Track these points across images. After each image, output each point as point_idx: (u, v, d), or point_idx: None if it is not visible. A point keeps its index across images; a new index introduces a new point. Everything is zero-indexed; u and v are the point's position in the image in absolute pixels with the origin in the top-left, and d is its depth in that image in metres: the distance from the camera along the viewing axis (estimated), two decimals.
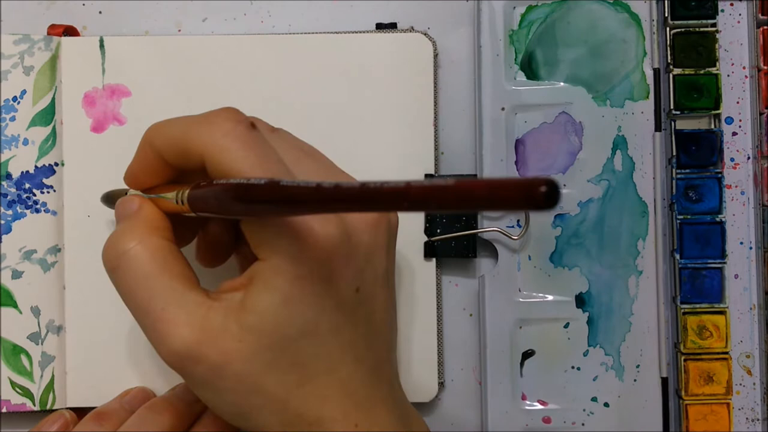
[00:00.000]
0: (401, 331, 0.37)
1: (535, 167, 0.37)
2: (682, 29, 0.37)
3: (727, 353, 0.36)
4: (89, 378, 0.36)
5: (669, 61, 0.37)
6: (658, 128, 0.37)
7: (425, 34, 0.37)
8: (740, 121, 0.37)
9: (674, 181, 0.37)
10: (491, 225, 0.37)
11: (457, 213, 0.36)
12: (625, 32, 0.37)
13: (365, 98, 0.37)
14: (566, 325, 0.37)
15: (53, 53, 0.37)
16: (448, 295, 0.38)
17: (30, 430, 0.35)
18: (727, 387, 0.36)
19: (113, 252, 0.28)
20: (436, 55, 0.37)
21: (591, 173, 0.37)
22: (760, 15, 0.37)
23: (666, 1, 0.37)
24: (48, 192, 0.36)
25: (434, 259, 0.37)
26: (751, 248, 0.37)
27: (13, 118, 0.36)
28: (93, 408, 0.35)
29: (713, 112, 0.37)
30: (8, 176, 0.36)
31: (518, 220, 0.37)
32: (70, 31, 0.38)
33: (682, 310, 0.36)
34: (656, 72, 0.37)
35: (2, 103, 0.36)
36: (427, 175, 0.37)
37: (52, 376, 0.36)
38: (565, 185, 0.37)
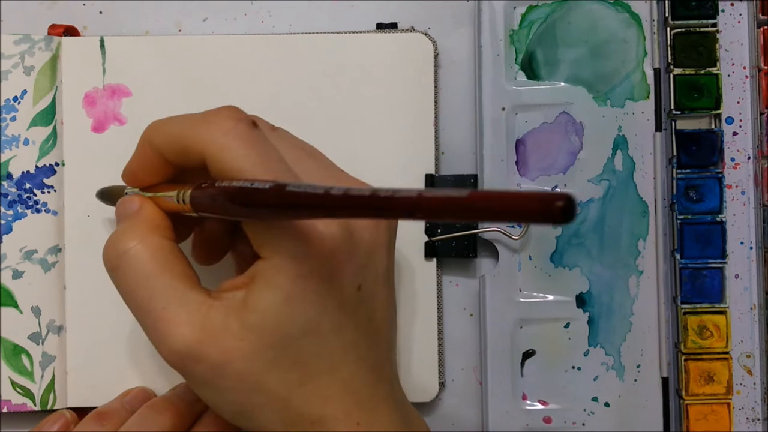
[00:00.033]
0: (401, 330, 0.37)
1: (536, 167, 0.37)
2: (683, 29, 0.37)
3: (727, 353, 0.36)
4: (90, 378, 0.36)
5: (669, 61, 0.37)
6: (658, 128, 0.37)
7: (426, 34, 0.37)
8: (741, 121, 0.37)
9: (675, 181, 0.37)
10: (492, 225, 0.37)
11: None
12: (625, 32, 0.37)
13: (365, 98, 0.37)
14: (567, 325, 0.37)
15: (54, 53, 0.37)
16: (448, 295, 0.38)
17: (30, 430, 0.35)
18: (728, 387, 0.36)
19: (114, 251, 0.28)
20: (436, 55, 0.37)
21: (591, 173, 0.37)
22: (760, 15, 0.37)
23: (666, 1, 0.37)
24: (48, 192, 0.36)
25: (435, 259, 0.37)
26: (751, 248, 0.37)
27: (13, 118, 0.36)
28: (94, 408, 0.35)
29: (714, 112, 0.37)
30: (9, 176, 0.36)
31: None
32: (70, 31, 0.38)
33: (683, 310, 0.36)
34: (657, 72, 0.37)
35: (3, 103, 0.36)
36: (427, 176, 0.37)
37: (53, 376, 0.36)
38: (565, 185, 0.37)
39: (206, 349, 0.26)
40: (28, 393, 0.36)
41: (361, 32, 0.37)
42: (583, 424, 0.37)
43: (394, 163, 0.37)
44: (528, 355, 0.37)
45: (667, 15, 0.37)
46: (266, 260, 0.26)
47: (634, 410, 0.36)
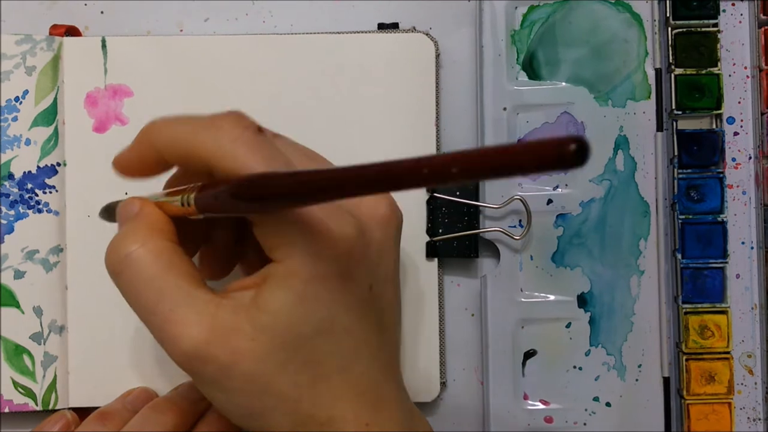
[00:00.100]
0: (403, 331, 0.37)
1: None
2: (684, 29, 0.37)
3: (728, 353, 0.36)
4: (91, 378, 0.36)
5: (671, 61, 0.37)
6: (659, 128, 0.37)
7: (427, 35, 0.37)
8: (742, 121, 0.37)
9: (676, 181, 0.37)
10: (493, 225, 0.37)
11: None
12: (626, 32, 0.37)
13: (367, 98, 0.37)
14: (568, 325, 0.37)
15: (55, 53, 0.37)
16: (450, 295, 0.38)
17: (32, 431, 0.35)
18: (729, 386, 0.36)
19: (116, 256, 0.27)
20: (437, 55, 0.37)
21: (593, 173, 0.37)
22: (761, 15, 0.37)
23: (668, 1, 0.37)
24: (50, 192, 0.37)
25: (436, 259, 0.37)
26: (752, 248, 0.37)
27: (15, 119, 0.36)
28: (95, 408, 0.35)
29: (715, 112, 0.37)
30: (10, 176, 0.36)
31: (520, 220, 0.37)
32: (72, 32, 0.38)
33: (684, 310, 0.36)
34: (658, 72, 0.37)
35: (4, 104, 0.36)
36: None
37: (55, 376, 0.36)
38: (566, 185, 0.37)
39: (215, 349, 0.26)
40: (29, 393, 0.36)
41: (362, 32, 0.37)
42: (585, 424, 0.37)
43: None
44: (529, 354, 0.37)
45: (668, 15, 0.37)
46: (279, 263, 0.26)
47: (635, 410, 0.36)
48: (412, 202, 0.36)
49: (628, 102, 0.37)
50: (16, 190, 0.36)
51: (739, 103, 0.37)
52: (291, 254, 0.26)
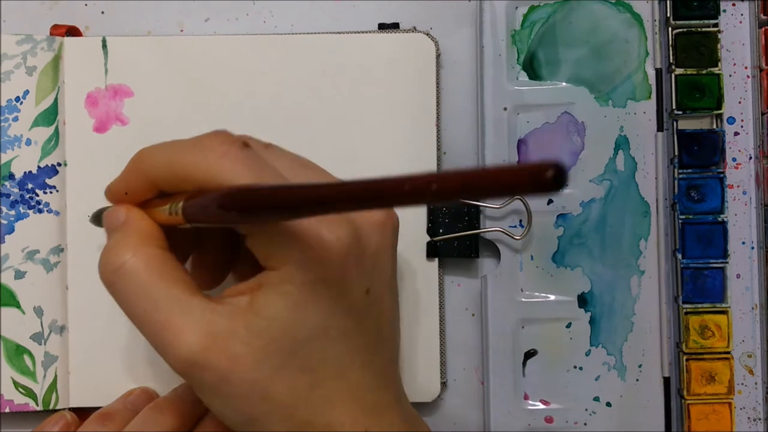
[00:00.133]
0: (404, 331, 0.36)
1: None
2: (684, 29, 0.37)
3: (728, 353, 0.36)
4: (92, 378, 0.36)
5: (671, 61, 0.37)
6: (660, 128, 0.37)
7: (427, 35, 0.37)
8: (742, 121, 0.37)
9: (676, 181, 0.37)
10: (493, 225, 0.37)
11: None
12: (627, 32, 0.37)
13: (367, 98, 0.37)
14: (568, 325, 0.37)
15: (56, 53, 0.37)
16: (450, 295, 0.38)
17: (32, 431, 0.35)
18: (729, 386, 0.36)
19: (108, 267, 0.27)
20: (438, 56, 0.37)
21: (593, 173, 0.37)
22: (762, 15, 0.37)
23: (668, 1, 0.37)
24: (51, 192, 0.37)
25: (437, 259, 0.37)
26: (753, 248, 0.37)
27: (15, 119, 0.36)
28: (96, 408, 0.35)
29: (715, 112, 0.37)
30: (11, 176, 0.36)
31: (520, 220, 0.37)
32: (72, 32, 0.38)
33: (684, 310, 0.36)
34: (658, 72, 0.37)
35: (5, 104, 0.36)
36: None
37: (55, 376, 0.36)
38: (567, 185, 0.37)
39: (212, 355, 0.26)
40: (30, 393, 0.36)
41: (362, 32, 0.37)
42: (585, 424, 0.37)
43: (396, 163, 0.37)
44: (530, 354, 0.37)
45: (668, 15, 0.37)
46: (274, 270, 0.26)
47: (635, 410, 0.36)
48: None
49: (629, 102, 0.37)
50: (16, 190, 0.36)
51: (740, 103, 0.37)
52: (286, 262, 0.26)
